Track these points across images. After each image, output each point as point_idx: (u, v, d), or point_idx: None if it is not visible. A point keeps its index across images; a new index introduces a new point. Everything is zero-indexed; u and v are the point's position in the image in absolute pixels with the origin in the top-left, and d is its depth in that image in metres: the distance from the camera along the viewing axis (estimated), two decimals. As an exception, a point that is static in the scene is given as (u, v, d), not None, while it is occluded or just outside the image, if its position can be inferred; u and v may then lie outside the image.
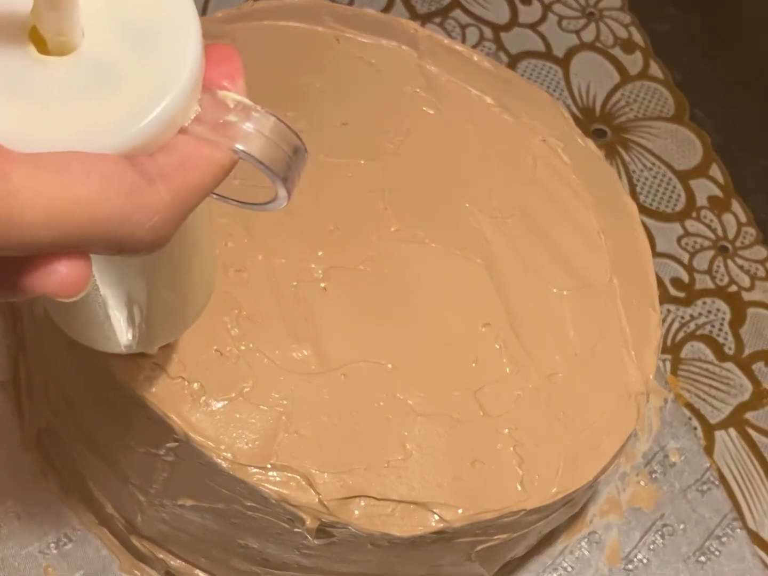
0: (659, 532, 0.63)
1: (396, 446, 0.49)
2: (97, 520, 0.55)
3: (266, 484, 0.46)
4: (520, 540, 0.53)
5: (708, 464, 0.66)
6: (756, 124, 0.85)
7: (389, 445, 0.49)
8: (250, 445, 0.46)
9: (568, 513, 0.56)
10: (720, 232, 0.78)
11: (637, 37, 0.87)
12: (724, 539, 0.64)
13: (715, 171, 0.81)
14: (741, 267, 0.77)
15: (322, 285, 0.52)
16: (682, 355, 0.73)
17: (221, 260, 0.51)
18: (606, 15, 0.87)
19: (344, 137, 0.58)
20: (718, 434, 0.70)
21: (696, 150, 0.82)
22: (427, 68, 0.63)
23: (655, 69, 0.86)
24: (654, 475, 0.65)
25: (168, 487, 0.48)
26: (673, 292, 0.76)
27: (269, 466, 0.46)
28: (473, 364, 0.52)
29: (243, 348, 0.49)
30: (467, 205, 0.58)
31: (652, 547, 0.62)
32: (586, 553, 0.61)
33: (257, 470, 0.46)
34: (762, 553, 0.66)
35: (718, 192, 0.80)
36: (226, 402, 0.47)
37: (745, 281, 0.77)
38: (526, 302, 0.55)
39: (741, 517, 0.67)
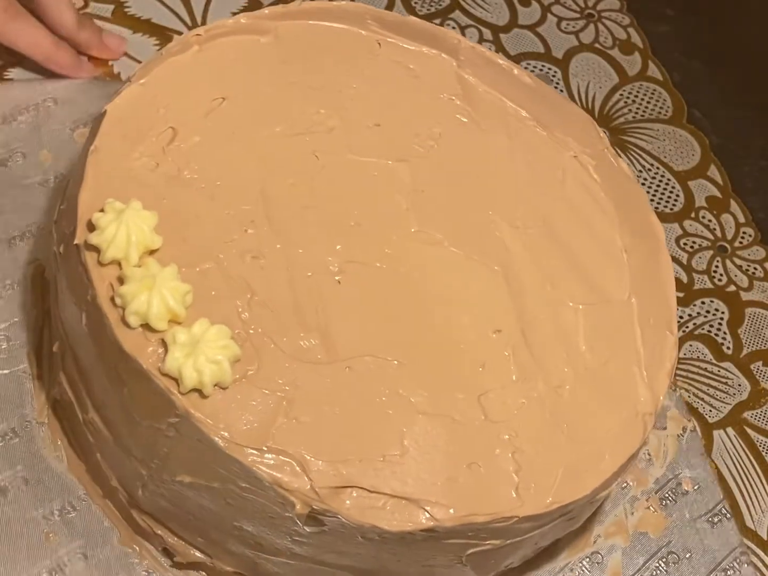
0: (664, 559, 0.62)
1: (394, 441, 0.49)
2: (102, 492, 0.56)
3: (260, 466, 0.46)
4: (514, 549, 0.53)
5: (721, 497, 0.65)
6: (754, 125, 0.85)
7: (387, 440, 0.49)
8: (248, 426, 0.47)
9: (567, 527, 0.56)
10: (718, 233, 0.78)
11: (636, 38, 0.87)
12: (730, 572, 0.62)
13: (714, 172, 0.82)
14: (740, 267, 0.77)
15: (337, 278, 0.53)
16: (681, 354, 0.72)
17: (239, 245, 0.52)
18: (605, 16, 0.88)
19: (375, 137, 0.59)
20: (717, 434, 0.70)
21: (694, 151, 0.82)
22: (466, 78, 0.64)
23: (653, 70, 0.87)
24: (665, 502, 0.64)
25: (168, 462, 0.49)
26: (671, 292, 0.77)
27: (265, 448, 0.47)
28: (480, 369, 0.53)
29: (251, 332, 0.50)
30: (490, 213, 0.58)
31: (655, 573, 0.62)
32: (587, 572, 0.61)
33: (253, 451, 0.46)
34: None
35: (716, 192, 0.80)
36: (229, 382, 0.48)
37: (744, 281, 0.77)
38: (540, 312, 0.55)
39: (739, 515, 0.66)
